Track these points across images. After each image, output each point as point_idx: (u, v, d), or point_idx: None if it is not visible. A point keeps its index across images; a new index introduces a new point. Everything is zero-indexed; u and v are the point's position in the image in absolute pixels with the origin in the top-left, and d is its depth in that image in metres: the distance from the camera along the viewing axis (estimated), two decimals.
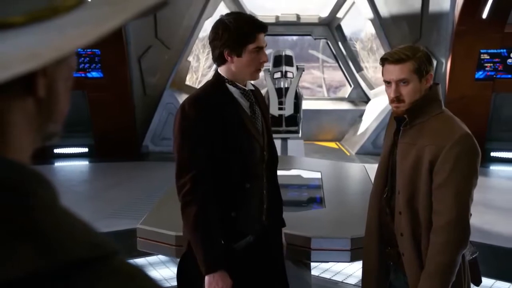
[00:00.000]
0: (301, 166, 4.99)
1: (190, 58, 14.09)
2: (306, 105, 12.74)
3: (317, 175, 4.44)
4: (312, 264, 3.83)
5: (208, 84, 2.52)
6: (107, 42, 7.17)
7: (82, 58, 10.30)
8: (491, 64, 9.86)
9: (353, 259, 3.11)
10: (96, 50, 10.24)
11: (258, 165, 2.51)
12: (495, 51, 9.78)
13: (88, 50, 10.22)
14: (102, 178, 9.41)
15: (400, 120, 2.27)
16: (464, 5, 9.16)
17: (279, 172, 4.84)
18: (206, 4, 11.38)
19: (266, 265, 2.61)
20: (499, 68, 9.87)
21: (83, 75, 10.41)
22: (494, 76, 9.90)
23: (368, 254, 2.48)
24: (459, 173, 2.07)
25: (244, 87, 2.47)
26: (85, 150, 11.01)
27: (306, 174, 4.53)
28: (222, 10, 12.46)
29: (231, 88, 2.44)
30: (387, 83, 2.22)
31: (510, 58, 9.82)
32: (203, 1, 11.29)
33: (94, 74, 10.46)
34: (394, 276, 2.39)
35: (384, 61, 2.22)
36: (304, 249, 3.11)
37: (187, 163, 2.31)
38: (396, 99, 2.18)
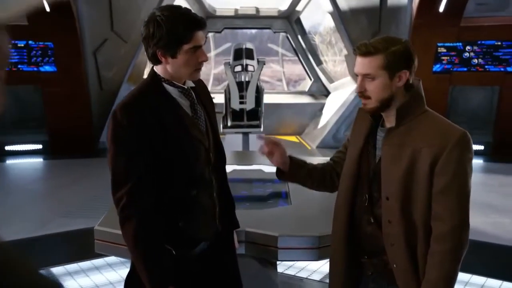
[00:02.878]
0: (264, 161, 4.87)
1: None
2: (266, 99, 12.68)
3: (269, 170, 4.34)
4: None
5: (143, 85, 2.24)
6: (60, 34, 6.91)
7: (34, 52, 9.91)
8: (448, 58, 10.00)
9: (321, 257, 3.00)
10: (49, 43, 9.86)
11: (204, 169, 2.30)
12: (451, 44, 9.93)
13: (40, 43, 9.84)
14: (57, 176, 9.06)
15: (376, 120, 2.13)
16: None
17: (242, 168, 4.81)
18: None
19: (220, 271, 2.47)
20: (455, 61, 10.02)
21: (35, 69, 10.03)
22: (451, 69, 10.05)
23: (335, 265, 2.30)
24: (462, 175, 1.93)
25: (183, 86, 2.25)
26: (39, 146, 10.62)
27: (269, 169, 4.42)
28: (181, 2, 12.21)
29: (169, 87, 2.21)
30: (356, 75, 2.05)
31: (466, 51, 9.99)
32: None
33: (48, 68, 10.08)
34: (374, 285, 2.26)
35: (354, 51, 2.05)
36: (271, 248, 2.99)
37: (123, 175, 2.09)
38: (361, 94, 2.03)
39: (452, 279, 1.94)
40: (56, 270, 4.99)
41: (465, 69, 10.03)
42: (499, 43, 9.83)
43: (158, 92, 2.20)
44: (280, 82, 20.88)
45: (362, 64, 1.99)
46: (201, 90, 2.42)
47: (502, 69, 9.96)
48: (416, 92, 2.03)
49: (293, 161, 2.39)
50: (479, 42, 9.88)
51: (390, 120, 2.05)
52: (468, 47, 9.92)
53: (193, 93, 2.31)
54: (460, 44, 9.88)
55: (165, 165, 2.18)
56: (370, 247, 2.15)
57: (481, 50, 9.93)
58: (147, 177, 2.11)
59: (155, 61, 2.19)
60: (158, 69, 2.22)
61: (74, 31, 9.65)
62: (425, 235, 1.96)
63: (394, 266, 2.04)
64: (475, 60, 9.99)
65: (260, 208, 3.45)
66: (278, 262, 3.74)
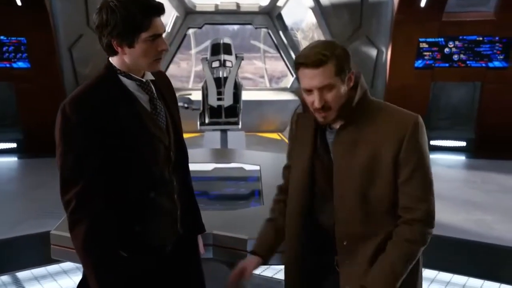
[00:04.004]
0: (240, 159, 4.70)
1: None
2: (247, 96, 12.53)
3: (256, 168, 4.16)
4: None
5: (96, 77, 2.07)
6: (33, 30, 6.62)
7: (6, 47, 9.63)
8: (430, 53, 9.91)
9: None
10: (22, 38, 9.58)
11: (163, 169, 2.16)
12: (433, 39, 9.84)
13: (13, 38, 9.55)
14: (32, 176, 8.82)
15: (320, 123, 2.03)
16: None
17: (216, 166, 4.63)
18: None
19: (183, 278, 2.32)
20: (437, 57, 9.94)
21: (8, 65, 9.75)
22: (433, 65, 9.96)
23: (290, 273, 2.23)
24: (424, 161, 1.92)
25: (141, 79, 2.09)
26: (13, 145, 10.34)
27: (244, 167, 4.25)
28: None
29: (125, 80, 2.05)
30: (308, 91, 1.91)
31: (448, 47, 9.91)
32: None
33: (21, 64, 9.80)
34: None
35: (300, 65, 1.89)
36: (240, 251, 2.82)
37: (72, 175, 1.94)
38: (322, 108, 1.90)
39: (410, 263, 1.93)
40: (22, 274, 4.79)
41: (447, 64, 9.95)
42: (481, 38, 9.77)
43: (113, 85, 2.04)
44: (263, 79, 20.76)
45: (315, 76, 1.86)
46: (162, 84, 2.25)
47: (483, 65, 9.91)
48: (361, 86, 1.97)
49: (262, 254, 2.31)
50: (460, 37, 9.80)
51: (339, 121, 1.98)
52: (450, 43, 9.84)
53: (152, 86, 2.15)
54: (442, 39, 9.79)
55: (120, 165, 2.02)
56: (323, 248, 2.12)
57: (463, 46, 9.86)
58: (98, 178, 1.96)
59: (111, 51, 2.02)
60: (114, 60, 2.06)
61: (48, 26, 9.38)
62: (383, 228, 1.95)
63: (346, 262, 2.01)
64: (457, 56, 9.91)
65: (230, 209, 3.29)
66: None
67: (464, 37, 9.80)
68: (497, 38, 9.70)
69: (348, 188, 1.95)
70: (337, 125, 1.99)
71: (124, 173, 2.04)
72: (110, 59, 2.06)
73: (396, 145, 1.89)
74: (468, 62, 9.93)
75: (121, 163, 2.02)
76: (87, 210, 1.94)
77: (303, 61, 1.87)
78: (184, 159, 2.31)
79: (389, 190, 1.92)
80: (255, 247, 2.32)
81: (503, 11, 9.34)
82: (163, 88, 2.23)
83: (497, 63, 9.85)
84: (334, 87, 1.87)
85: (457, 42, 9.84)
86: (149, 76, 2.14)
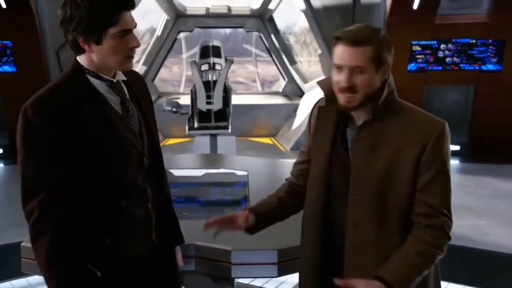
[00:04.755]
0: (227, 165, 4.55)
1: None
2: (239, 100, 12.42)
3: (243, 174, 4.00)
4: None
5: (61, 77, 1.92)
6: (19, 33, 6.36)
7: None
8: (423, 56, 9.80)
9: (281, 273, 2.70)
10: (7, 41, 9.38)
11: (136, 176, 2.00)
12: (426, 42, 9.72)
13: None
14: (19, 182, 8.59)
15: (345, 118, 1.94)
16: None
17: (201, 172, 4.47)
18: None
19: None
20: (430, 60, 9.82)
21: None
22: (426, 68, 9.85)
23: (306, 280, 2.10)
24: (445, 167, 1.84)
25: (111, 79, 1.94)
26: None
27: (231, 173, 4.09)
28: (148, 0, 11.84)
29: (94, 80, 1.90)
30: (338, 67, 1.82)
31: (441, 50, 9.80)
32: None
33: (6, 68, 9.60)
34: None
35: (338, 40, 1.81)
36: (224, 264, 2.66)
37: (34, 184, 1.79)
38: (348, 89, 1.81)
39: (427, 264, 1.82)
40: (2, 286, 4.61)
41: (440, 68, 9.84)
42: (474, 41, 9.66)
43: (80, 85, 1.89)
44: (255, 83, 20.67)
45: (350, 54, 1.78)
46: (136, 85, 2.10)
47: (477, 68, 9.80)
48: (389, 85, 1.88)
49: (258, 213, 2.14)
50: (453, 40, 9.69)
51: (360, 116, 1.89)
52: (442, 45, 9.73)
53: (124, 87, 1.99)
54: (435, 42, 9.68)
55: (88, 172, 1.87)
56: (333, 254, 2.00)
57: (456, 49, 9.74)
58: (63, 186, 1.81)
59: (77, 49, 1.87)
60: (82, 59, 1.91)
61: (34, 29, 9.20)
62: (397, 236, 1.85)
63: (352, 269, 1.92)
64: (450, 59, 9.80)
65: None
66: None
67: (457, 40, 9.69)
68: (490, 40, 9.59)
69: (364, 189, 1.86)
70: (359, 122, 1.90)
71: (92, 181, 1.88)
72: (78, 58, 1.91)
73: (420, 148, 1.81)
74: (461, 65, 9.82)
75: (89, 169, 1.86)
76: (50, 221, 1.79)
77: (341, 35, 1.79)
78: (159, 165, 2.15)
79: (407, 195, 1.83)
80: (253, 205, 2.19)
81: (496, 14, 9.24)
82: (137, 89, 2.08)
83: (490, 66, 9.75)
84: (365, 72, 1.79)
85: (450, 45, 9.73)
86: (120, 76, 1.99)
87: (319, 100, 2.09)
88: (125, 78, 2.01)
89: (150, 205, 2.07)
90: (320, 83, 1.99)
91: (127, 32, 1.84)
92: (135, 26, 1.90)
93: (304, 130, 11.10)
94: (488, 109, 9.75)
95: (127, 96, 2.00)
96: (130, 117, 1.99)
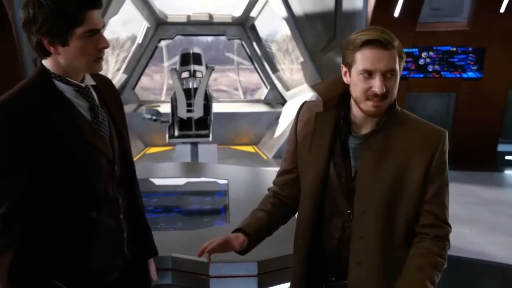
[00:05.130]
0: (207, 173, 4.44)
1: None
2: (221, 108, 12.33)
3: (223, 183, 3.90)
4: None
5: (26, 82, 1.79)
6: None
7: None
8: (404, 64, 9.79)
9: (261, 286, 2.62)
10: None
11: (107, 185, 1.89)
12: (407, 50, 9.73)
13: None
14: None
15: (346, 125, 1.83)
16: (377, 3, 9.07)
17: (181, 181, 4.37)
18: (110, 1, 10.59)
19: None
20: (411, 68, 9.85)
21: None
22: (407, 75, 9.86)
23: None
24: (447, 176, 1.80)
25: (79, 83, 1.82)
26: None
27: (211, 182, 3.99)
28: (129, 8, 11.72)
29: (61, 85, 1.78)
30: (368, 73, 1.70)
31: (422, 57, 9.83)
32: None
33: None
34: None
35: (367, 44, 1.68)
36: (202, 276, 2.56)
37: None
38: (382, 95, 1.70)
39: (437, 275, 1.78)
40: None
41: (422, 75, 9.87)
42: (454, 49, 9.71)
43: (46, 90, 1.75)
44: (237, 91, 20.62)
45: (383, 58, 1.68)
46: (106, 90, 1.98)
47: (458, 76, 9.84)
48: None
49: (250, 232, 1.97)
50: (434, 48, 9.73)
51: (366, 124, 1.80)
52: (424, 53, 9.76)
53: (93, 92, 1.87)
54: (416, 50, 9.71)
55: (54, 182, 1.74)
56: (335, 266, 1.91)
57: (437, 56, 9.78)
58: (27, 198, 1.68)
59: (43, 52, 1.74)
60: (48, 63, 1.78)
61: (11, 36, 9.01)
62: (402, 250, 1.79)
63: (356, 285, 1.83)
64: (431, 67, 9.83)
65: (193, 228, 3.01)
66: None
67: (438, 47, 9.73)
68: (470, 48, 9.66)
69: (372, 201, 1.77)
70: (365, 130, 1.81)
71: (59, 191, 1.76)
72: (43, 61, 1.78)
73: (429, 157, 1.76)
74: (442, 72, 9.85)
75: (56, 179, 1.74)
76: (13, 235, 1.66)
77: (371, 38, 1.67)
78: (131, 174, 2.04)
79: (415, 205, 1.78)
80: (241, 224, 2.00)
81: (476, 22, 9.31)
82: (107, 94, 1.96)
83: (471, 74, 9.81)
84: (396, 74, 1.72)
85: (431, 53, 9.77)
86: (89, 81, 1.87)
87: (304, 103, 1.99)
88: (94, 83, 1.90)
89: (122, 216, 1.96)
90: (316, 87, 1.90)
91: (95, 32, 1.73)
92: (104, 26, 1.79)
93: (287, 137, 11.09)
94: (469, 116, 9.80)
95: (97, 101, 1.88)
96: (100, 124, 1.87)
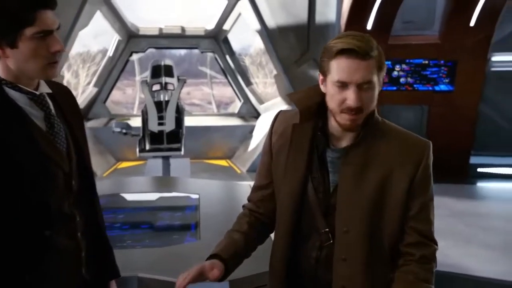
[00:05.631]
0: (178, 188, 4.29)
1: (68, 74, 12.98)
2: (194, 121, 12.19)
3: (195, 197, 3.76)
4: None
5: None
6: None
7: None
8: (385, 74, 9.83)
9: None
10: None
11: (62, 201, 1.74)
12: None
13: None
14: None
15: (325, 136, 1.69)
16: (349, 16, 9.08)
17: (149, 196, 4.20)
18: (80, 13, 10.39)
19: None
20: (384, 80, 9.82)
21: None
22: (380, 88, 9.87)
23: None
24: (432, 190, 1.67)
25: (33, 91, 1.68)
26: None
27: (181, 197, 3.84)
28: (99, 20, 11.54)
29: (12, 93, 1.64)
30: (342, 84, 1.56)
31: (395, 70, 9.86)
32: (76, 9, 10.29)
33: None
34: None
35: (342, 52, 1.54)
36: None
37: None
38: (357, 109, 1.56)
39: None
40: None
41: (395, 88, 9.90)
42: (427, 61, 9.78)
43: None
44: (211, 105, 20.53)
45: (359, 68, 1.53)
46: (63, 99, 1.83)
47: (430, 88, 9.91)
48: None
49: (227, 258, 1.80)
50: (407, 60, 9.79)
51: (343, 138, 1.67)
52: (397, 66, 9.81)
53: (49, 101, 1.73)
54: (389, 62, 9.74)
55: (4, 197, 1.58)
56: None
57: (410, 69, 9.84)
58: None
59: None
60: None
61: None
62: (387, 270, 1.68)
63: None
64: (404, 79, 9.88)
65: (161, 245, 2.87)
66: None
67: (411, 60, 9.79)
68: (442, 61, 9.73)
69: (355, 220, 1.64)
70: (343, 143, 1.67)
71: (9, 207, 1.61)
72: None
73: (412, 170, 1.64)
74: (415, 85, 9.91)
75: (6, 194, 1.58)
76: None
77: (347, 46, 1.52)
78: (90, 189, 1.89)
79: (399, 220, 1.65)
80: (216, 249, 1.82)
81: (447, 35, 9.40)
82: (64, 104, 1.82)
83: (443, 87, 9.88)
84: (373, 87, 1.57)
85: (403, 66, 9.82)
86: (44, 89, 1.73)
87: (279, 113, 1.86)
88: (49, 91, 1.75)
89: (79, 234, 1.80)
90: (292, 96, 1.75)
91: (47, 33, 1.59)
92: (58, 27, 1.65)
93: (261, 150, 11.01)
94: (442, 129, 9.86)
95: (53, 111, 1.74)
96: (56, 135, 1.73)
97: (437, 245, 1.69)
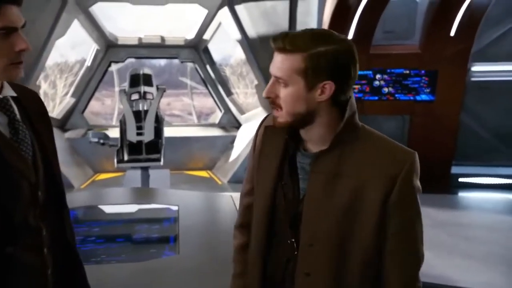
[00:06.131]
0: (157, 199, 4.13)
1: (45, 84, 12.75)
2: (174, 132, 12.02)
3: (174, 208, 3.60)
4: None
5: None
6: None
7: None
8: (359, 86, 9.80)
9: None
10: None
11: (27, 213, 1.59)
12: (361, 72, 9.73)
13: None
14: None
15: (296, 141, 1.58)
16: (330, 26, 9.03)
17: (126, 207, 4.03)
18: (57, 22, 10.19)
19: None
20: (366, 90, 9.83)
21: None
22: (362, 98, 9.84)
23: None
24: (418, 208, 1.51)
25: None
26: None
27: (159, 209, 3.68)
28: (77, 29, 11.34)
29: None
30: (271, 76, 1.52)
31: (376, 80, 9.84)
32: (52, 18, 10.09)
33: None
34: None
35: (272, 42, 1.48)
36: None
37: None
38: (271, 101, 1.50)
39: None
40: None
41: (376, 97, 9.86)
42: (407, 71, 9.77)
43: None
44: (191, 115, 20.38)
45: (278, 62, 1.46)
46: (30, 104, 1.69)
47: (411, 98, 9.89)
48: (350, 106, 1.53)
49: None
50: (388, 70, 9.77)
51: (314, 142, 1.55)
52: (378, 76, 9.78)
53: (14, 105, 1.58)
54: (371, 72, 9.72)
55: None
56: None
57: (391, 79, 9.82)
58: None
59: None
60: None
61: None
62: (356, 285, 1.54)
63: None
64: (386, 89, 9.85)
65: (138, 260, 2.71)
66: None
67: (392, 70, 9.77)
68: (423, 71, 9.73)
69: (321, 234, 1.51)
70: (314, 149, 1.55)
71: None
72: None
73: (387, 184, 1.47)
74: (396, 95, 9.88)
75: None
76: None
77: (273, 39, 1.46)
78: (58, 200, 1.73)
79: (373, 239, 1.50)
80: None
81: (428, 45, 9.41)
82: (31, 109, 1.67)
83: (424, 96, 9.87)
84: (289, 86, 1.45)
85: (385, 75, 9.80)
86: (8, 92, 1.59)
87: (267, 116, 1.75)
88: (14, 94, 1.61)
89: (46, 250, 1.65)
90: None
91: (12, 30, 1.45)
92: (24, 25, 1.51)
93: (247, 155, 10.80)
94: (423, 138, 9.84)
95: (17, 116, 1.60)
96: (21, 142, 1.58)
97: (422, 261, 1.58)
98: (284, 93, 1.46)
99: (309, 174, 1.54)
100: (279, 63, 1.45)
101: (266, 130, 1.67)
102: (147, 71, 7.90)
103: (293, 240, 1.56)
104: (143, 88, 7.49)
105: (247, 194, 1.78)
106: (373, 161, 1.50)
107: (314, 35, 1.43)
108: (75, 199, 3.99)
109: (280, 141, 1.60)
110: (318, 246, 1.52)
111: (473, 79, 10.06)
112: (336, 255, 1.50)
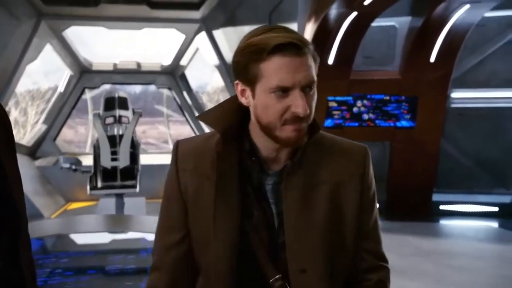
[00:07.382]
0: (133, 227, 3.84)
1: (15, 111, 12.39)
2: (150, 160, 11.71)
3: (150, 239, 3.32)
4: None
5: None
6: None
7: None
8: (339, 112, 9.70)
9: None
10: None
11: None
12: (342, 98, 9.65)
13: None
14: None
15: (258, 160, 1.36)
16: None
17: (99, 236, 3.75)
18: (27, 46, 9.90)
19: None
20: (346, 116, 9.74)
21: None
22: (343, 124, 9.74)
23: None
24: (376, 200, 1.48)
25: None
26: None
27: (135, 238, 3.40)
28: (49, 53, 11.06)
29: None
30: (283, 89, 1.23)
31: (356, 106, 9.76)
32: (23, 42, 9.80)
33: None
34: None
35: (275, 51, 1.21)
36: None
37: None
38: (306, 119, 1.26)
39: None
40: None
41: (357, 124, 9.78)
42: (388, 97, 9.73)
43: None
44: (167, 144, 20.22)
45: (301, 66, 1.22)
46: None
47: (392, 124, 9.83)
48: None
49: None
50: (368, 96, 9.72)
51: (278, 157, 1.35)
52: (358, 102, 9.71)
53: None
54: (351, 98, 9.65)
55: None
56: None
57: (371, 104, 9.76)
58: None
59: None
60: None
61: None
62: None
63: None
64: (366, 115, 9.78)
65: None
66: None
67: (372, 96, 9.72)
68: (403, 97, 9.70)
69: (309, 254, 1.34)
70: (276, 165, 1.36)
71: None
72: None
73: (359, 182, 1.41)
74: (377, 121, 9.81)
75: None
76: None
77: (283, 41, 1.20)
78: (14, 227, 1.45)
79: (354, 238, 1.42)
80: None
81: (408, 71, 9.41)
82: None
83: (404, 123, 9.82)
84: (313, 89, 1.27)
85: (365, 101, 9.73)
86: None
87: (178, 145, 1.47)
88: None
89: None
90: (205, 119, 1.37)
91: None
92: None
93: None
94: (404, 165, 9.80)
95: None
96: None
97: (387, 262, 1.50)
98: (313, 99, 1.27)
99: (282, 193, 1.34)
100: (307, 66, 1.23)
101: (218, 157, 1.36)
102: (122, 94, 7.68)
103: (279, 276, 1.35)
104: (118, 112, 7.25)
105: (172, 246, 1.43)
106: (340, 163, 1.40)
107: (289, 29, 1.26)
108: (43, 227, 3.64)
109: (233, 165, 1.36)
110: (311, 271, 1.35)
111: (452, 105, 10.09)
112: (329, 274, 1.37)
